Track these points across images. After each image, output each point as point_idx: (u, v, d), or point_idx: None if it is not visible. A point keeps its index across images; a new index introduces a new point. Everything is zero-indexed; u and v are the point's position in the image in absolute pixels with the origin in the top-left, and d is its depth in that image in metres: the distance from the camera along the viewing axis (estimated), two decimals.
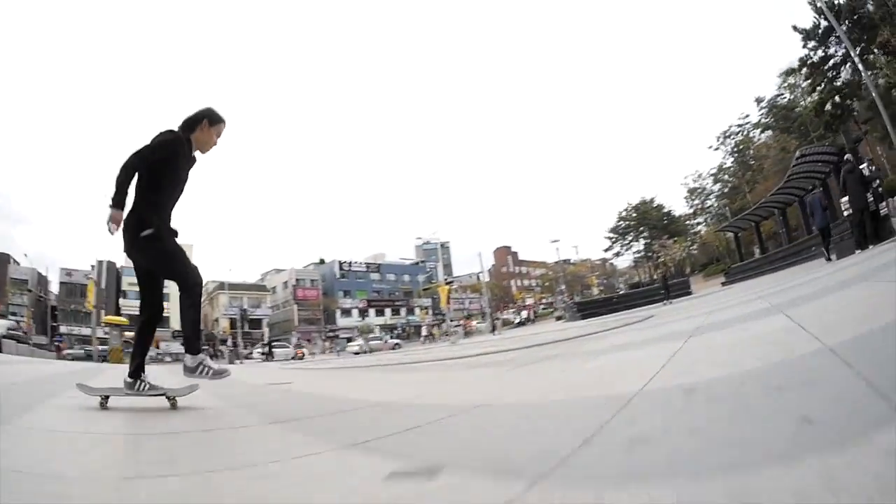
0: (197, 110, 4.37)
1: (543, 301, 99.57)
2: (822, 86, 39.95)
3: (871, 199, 16.10)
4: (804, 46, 39.93)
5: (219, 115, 4.45)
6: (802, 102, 65.81)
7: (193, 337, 4.17)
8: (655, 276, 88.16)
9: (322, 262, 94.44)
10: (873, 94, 20.31)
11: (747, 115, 77.58)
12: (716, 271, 68.63)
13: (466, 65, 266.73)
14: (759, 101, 73.74)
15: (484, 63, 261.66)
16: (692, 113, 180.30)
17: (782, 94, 69.93)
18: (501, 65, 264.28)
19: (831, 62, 39.54)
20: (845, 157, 17.43)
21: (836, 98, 39.04)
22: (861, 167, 16.66)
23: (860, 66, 20.52)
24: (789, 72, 43.46)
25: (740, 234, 49.79)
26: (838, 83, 39.10)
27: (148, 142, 4.03)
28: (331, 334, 74.09)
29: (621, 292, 64.77)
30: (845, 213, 17.28)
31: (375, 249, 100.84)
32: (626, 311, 27.67)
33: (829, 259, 16.86)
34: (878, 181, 17.23)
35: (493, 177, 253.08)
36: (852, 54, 20.49)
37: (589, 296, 75.22)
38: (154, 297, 4.39)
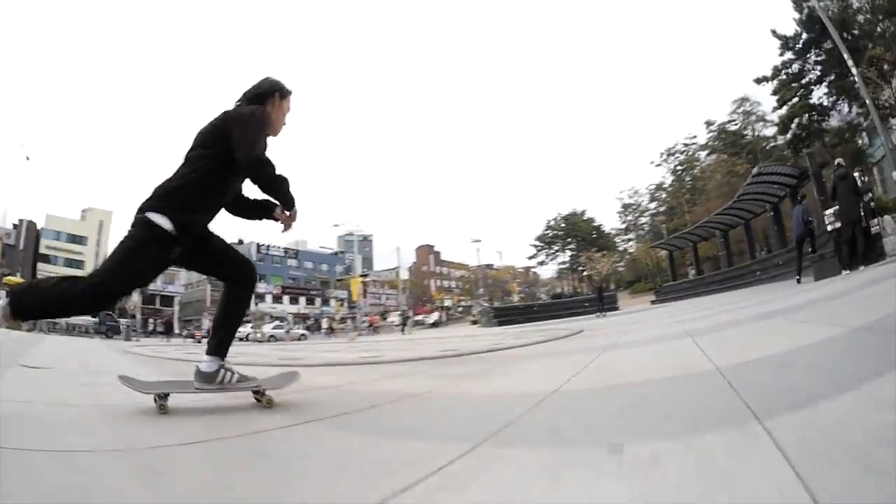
0: (261, 81, 3.38)
1: (462, 303, 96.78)
2: (794, 101, 37.82)
3: (863, 213, 13.26)
4: (781, 55, 37.84)
5: (287, 87, 3.45)
6: (749, 133, 65.54)
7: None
8: (579, 289, 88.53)
9: (240, 242, 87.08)
10: (868, 104, 17.73)
11: (695, 136, 77.44)
12: (643, 289, 68.02)
13: (402, 59, 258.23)
14: (708, 123, 73.80)
15: (418, 58, 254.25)
16: (636, 129, 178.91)
17: (733, 121, 70.04)
18: (436, 61, 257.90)
19: (805, 80, 37.56)
20: (836, 162, 14.48)
21: (807, 117, 37.07)
22: (854, 174, 13.69)
23: (855, 73, 17.77)
24: (760, 80, 40.82)
25: (675, 253, 47.54)
26: (811, 101, 37.24)
27: (235, 119, 3.11)
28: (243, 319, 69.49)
29: (542, 301, 62.09)
30: (829, 228, 14.22)
31: (297, 236, 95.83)
32: (546, 321, 26.52)
33: (799, 280, 15.02)
34: (869, 194, 14.16)
35: (423, 175, 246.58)
36: (848, 62, 17.67)
37: (509, 302, 72.19)
38: (227, 263, 3.39)
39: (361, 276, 58.10)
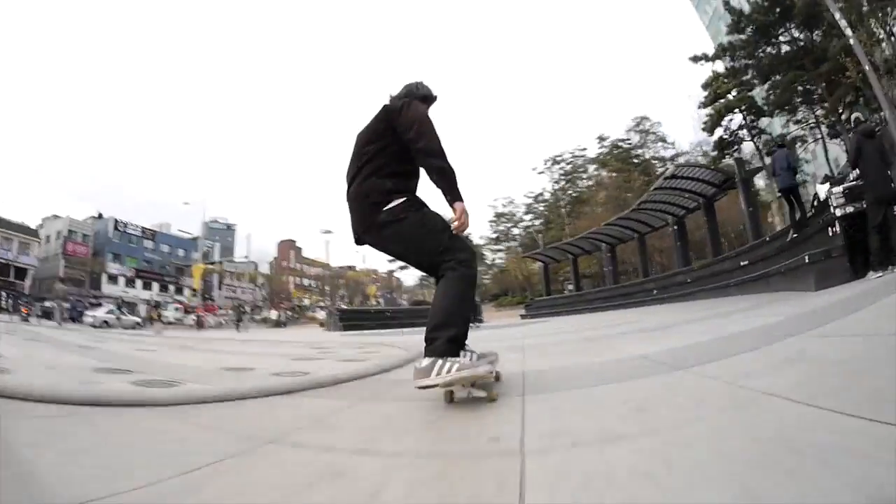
0: (421, 84, 3.63)
1: (320, 303, 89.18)
2: (730, 97, 34.81)
3: None
4: (729, 33, 34.02)
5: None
6: (644, 152, 64.51)
7: (443, 325, 2.97)
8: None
9: (100, 216, 78.68)
10: (876, 86, 13.46)
11: (585, 148, 74.18)
12: (509, 303, 64.77)
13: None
14: (601, 138, 70.88)
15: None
16: (522, 138, 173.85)
17: (628, 139, 67.96)
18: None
19: (746, 77, 34.53)
20: (854, 117, 9.63)
21: (741, 117, 34.70)
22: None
23: (853, 42, 13.52)
24: (698, 58, 36.72)
25: (550, 266, 43.08)
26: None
27: (397, 107, 3.29)
28: (93, 301, 57.71)
29: (400, 307, 57.22)
30: (838, 211, 9.16)
31: (161, 219, 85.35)
32: (401, 328, 23.15)
33: (796, 232, 12.94)
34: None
35: (288, 166, 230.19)
36: (842, 22, 13.85)
37: (366, 305, 66.06)
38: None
39: (209, 263, 49.71)
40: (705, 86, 35.88)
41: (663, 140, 64.95)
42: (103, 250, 74.17)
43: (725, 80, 34.39)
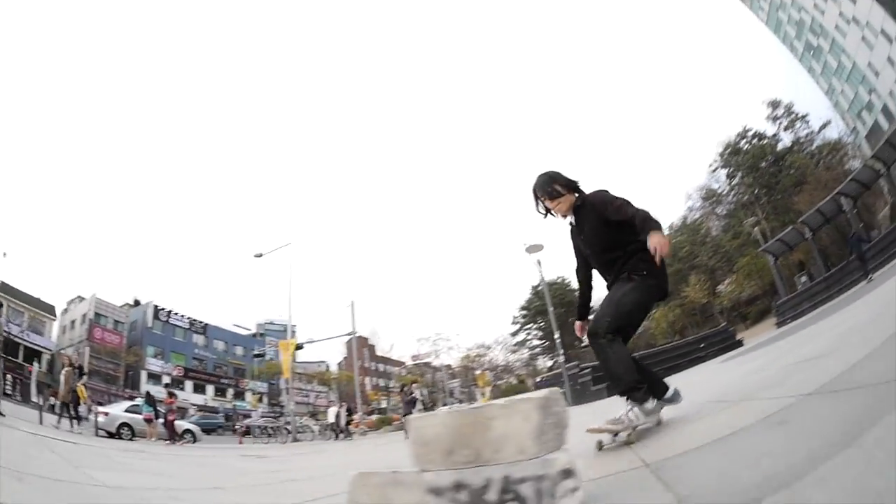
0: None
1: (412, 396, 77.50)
2: None
3: None
4: None
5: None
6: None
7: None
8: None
9: (137, 303, 70.37)
10: None
11: (758, 130, 59.33)
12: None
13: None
14: (744, 134, 58.49)
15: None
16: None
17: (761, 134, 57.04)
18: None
19: None
20: None
21: None
22: None
23: None
24: None
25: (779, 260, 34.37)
26: None
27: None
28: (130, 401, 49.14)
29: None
30: None
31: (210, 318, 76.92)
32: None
33: None
34: None
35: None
36: None
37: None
38: None
39: (297, 346, 37.58)
40: None
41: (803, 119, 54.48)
42: (141, 342, 64.95)
43: None
